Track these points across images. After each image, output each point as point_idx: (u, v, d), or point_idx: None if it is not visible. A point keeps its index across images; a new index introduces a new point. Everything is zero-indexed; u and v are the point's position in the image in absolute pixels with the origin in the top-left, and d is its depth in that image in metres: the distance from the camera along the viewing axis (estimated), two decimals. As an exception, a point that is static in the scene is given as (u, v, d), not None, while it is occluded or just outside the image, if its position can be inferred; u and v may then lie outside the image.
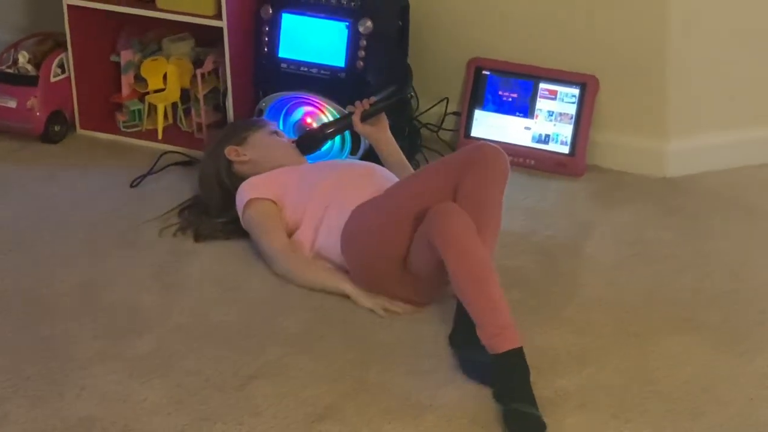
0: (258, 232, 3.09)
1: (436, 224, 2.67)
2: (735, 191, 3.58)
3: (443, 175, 2.84)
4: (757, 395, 2.58)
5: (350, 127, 3.34)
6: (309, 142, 3.37)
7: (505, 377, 2.52)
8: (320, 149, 3.43)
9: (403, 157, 3.36)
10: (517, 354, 2.52)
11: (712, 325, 2.85)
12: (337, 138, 3.47)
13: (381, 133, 3.32)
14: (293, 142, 3.37)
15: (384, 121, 3.33)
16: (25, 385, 2.60)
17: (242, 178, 3.22)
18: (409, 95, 3.71)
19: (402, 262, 2.82)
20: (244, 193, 3.14)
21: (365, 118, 3.29)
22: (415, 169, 3.43)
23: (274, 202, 3.10)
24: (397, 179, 3.14)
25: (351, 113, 3.32)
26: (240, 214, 3.14)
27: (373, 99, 3.34)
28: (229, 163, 3.28)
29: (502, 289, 2.60)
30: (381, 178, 3.12)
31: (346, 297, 2.92)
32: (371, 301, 2.89)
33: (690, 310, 2.92)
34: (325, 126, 3.40)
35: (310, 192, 3.07)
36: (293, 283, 2.98)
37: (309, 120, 3.56)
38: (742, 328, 2.85)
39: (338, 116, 3.44)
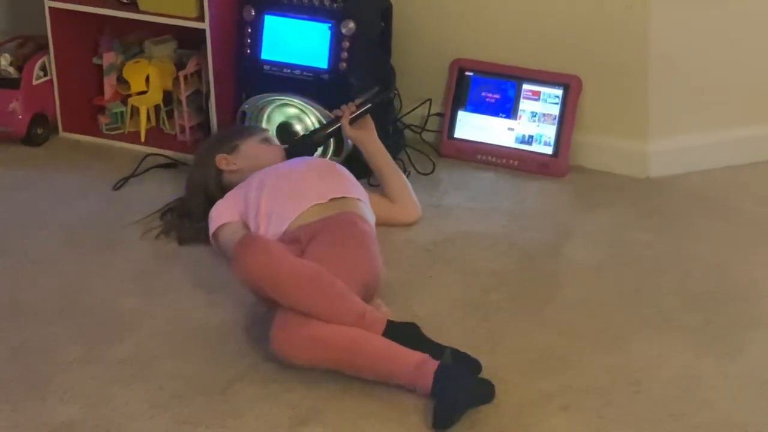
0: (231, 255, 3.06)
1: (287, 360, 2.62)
2: (716, 192, 3.59)
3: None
4: (740, 395, 2.59)
5: (339, 131, 3.34)
6: (299, 148, 3.36)
7: (450, 397, 2.48)
8: (311, 155, 3.42)
9: (392, 161, 3.37)
10: (439, 378, 2.49)
11: (693, 326, 2.86)
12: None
13: (368, 137, 3.32)
14: (284, 149, 3.35)
15: (371, 124, 3.33)
16: (7, 389, 2.59)
17: (230, 188, 3.21)
18: (393, 92, 3.70)
19: None
20: (211, 221, 3.11)
21: (352, 120, 3.29)
22: (401, 168, 3.44)
23: (237, 221, 3.07)
24: (341, 182, 3.11)
25: (339, 117, 3.32)
26: (213, 242, 3.12)
27: (358, 101, 3.34)
28: (219, 171, 3.27)
29: (380, 342, 2.58)
30: (318, 186, 3.06)
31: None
32: None
33: (671, 311, 2.92)
34: (315, 132, 3.40)
35: (257, 204, 3.05)
36: None
37: (292, 122, 3.55)
38: (724, 328, 2.85)
39: (326, 121, 3.44)
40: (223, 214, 3.10)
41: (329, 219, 2.93)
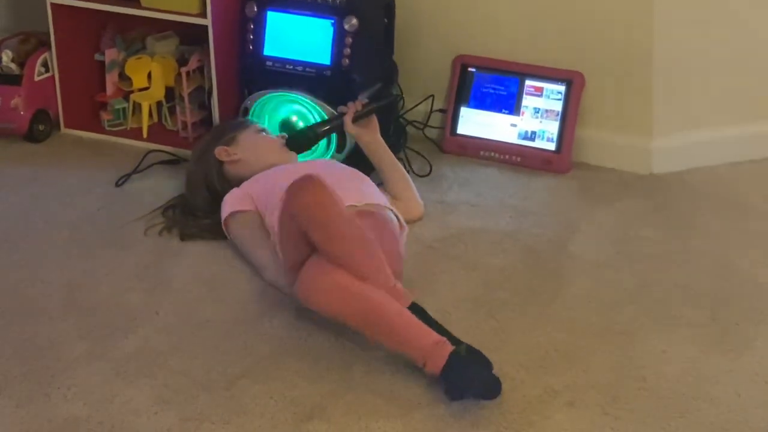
0: (245, 245, 3.07)
1: (305, 303, 2.66)
2: (721, 188, 3.59)
3: (289, 231, 2.77)
4: (745, 392, 2.58)
5: (342, 127, 3.33)
6: (300, 141, 3.36)
7: (460, 380, 2.51)
8: (311, 149, 3.42)
9: (394, 158, 3.36)
10: (452, 361, 2.51)
11: (698, 323, 2.86)
12: (324, 136, 3.47)
13: (371, 135, 3.31)
14: (284, 140, 3.35)
15: (374, 123, 3.32)
16: (12, 385, 2.58)
17: (232, 179, 3.22)
18: (400, 96, 3.71)
19: None
20: (225, 208, 3.12)
21: (357, 119, 3.29)
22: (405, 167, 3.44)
23: (254, 211, 3.08)
24: (370, 190, 3.13)
25: (343, 114, 3.31)
26: (225, 231, 3.13)
27: (365, 100, 3.33)
28: (220, 164, 3.27)
29: (403, 310, 2.61)
30: (352, 189, 3.06)
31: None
32: None
33: (676, 308, 2.92)
34: (317, 126, 3.39)
35: (276, 202, 3.05)
36: (282, 292, 2.96)
37: (295, 118, 3.55)
38: (729, 325, 2.85)
39: (329, 116, 3.43)
40: (239, 201, 3.11)
41: (364, 212, 2.95)
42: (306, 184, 2.69)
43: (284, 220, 2.77)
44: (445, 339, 2.57)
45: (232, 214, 3.09)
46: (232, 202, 3.12)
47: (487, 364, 2.56)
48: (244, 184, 3.17)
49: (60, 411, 2.50)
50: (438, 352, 2.53)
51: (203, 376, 2.62)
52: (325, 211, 2.66)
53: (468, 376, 2.49)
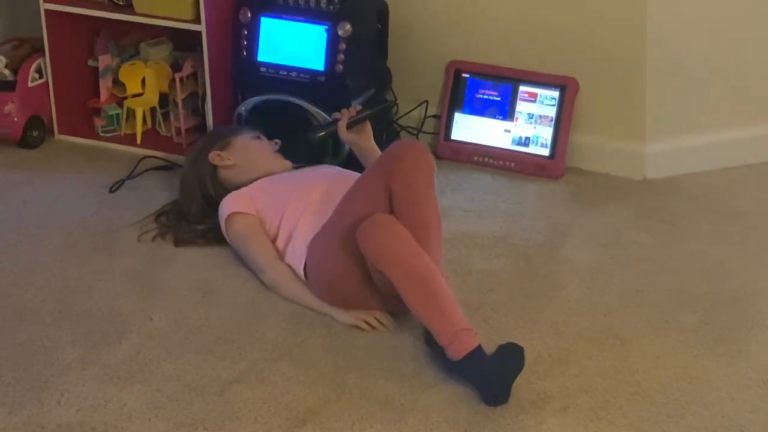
0: (244, 246, 3.06)
1: (363, 243, 2.67)
2: (714, 193, 3.60)
3: (374, 183, 2.82)
4: (738, 396, 2.58)
5: (336, 133, 3.33)
6: (294, 147, 3.35)
7: (475, 377, 2.55)
8: (306, 154, 3.41)
9: None
10: (475, 354, 2.54)
11: (691, 327, 2.86)
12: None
13: (365, 142, 3.31)
14: (278, 147, 3.35)
15: (368, 129, 3.32)
16: (4, 391, 2.58)
17: (226, 184, 3.22)
18: (394, 103, 3.71)
19: (368, 283, 2.78)
20: (224, 208, 3.12)
21: (351, 125, 3.29)
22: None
23: (254, 215, 3.08)
24: None
25: (337, 120, 3.31)
26: (223, 230, 3.12)
27: (359, 106, 3.33)
28: (214, 168, 3.26)
29: (450, 289, 2.63)
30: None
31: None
32: (353, 318, 2.86)
33: (669, 312, 2.92)
34: (310, 132, 3.38)
35: (283, 208, 3.05)
36: (279, 295, 2.96)
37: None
38: (722, 329, 2.85)
39: (323, 123, 3.43)
40: (240, 203, 3.10)
41: None
42: (375, 227, 2.69)
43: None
44: (475, 331, 2.58)
45: (233, 215, 3.09)
46: (232, 204, 3.11)
47: (506, 374, 2.56)
48: (246, 188, 3.16)
49: (53, 417, 2.50)
50: (466, 340, 2.55)
51: (197, 382, 2.62)
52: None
53: (479, 377, 2.53)
